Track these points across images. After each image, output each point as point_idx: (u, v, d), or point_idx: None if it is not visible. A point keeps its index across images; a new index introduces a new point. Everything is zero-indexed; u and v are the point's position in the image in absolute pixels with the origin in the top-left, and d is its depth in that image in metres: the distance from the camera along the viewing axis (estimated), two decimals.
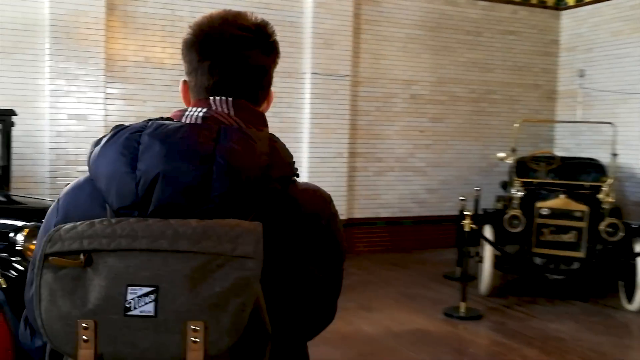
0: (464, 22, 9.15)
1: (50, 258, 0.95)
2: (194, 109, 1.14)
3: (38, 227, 3.97)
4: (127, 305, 0.90)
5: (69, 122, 6.85)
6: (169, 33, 7.23)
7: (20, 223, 4.06)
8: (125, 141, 1.03)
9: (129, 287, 0.91)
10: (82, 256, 0.94)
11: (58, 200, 1.16)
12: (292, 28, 7.90)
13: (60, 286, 0.94)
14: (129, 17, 7.17)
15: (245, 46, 1.16)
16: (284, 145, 1.10)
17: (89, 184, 1.09)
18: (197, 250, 0.93)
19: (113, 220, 0.97)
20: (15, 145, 6.45)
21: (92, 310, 0.91)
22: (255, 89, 1.20)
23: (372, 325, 5.49)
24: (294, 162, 1.11)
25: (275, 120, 7.27)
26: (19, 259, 3.83)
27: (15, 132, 6.11)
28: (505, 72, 9.54)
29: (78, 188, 1.13)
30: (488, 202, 7.79)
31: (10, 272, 3.68)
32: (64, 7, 6.71)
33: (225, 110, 1.13)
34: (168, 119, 1.11)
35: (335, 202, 1.19)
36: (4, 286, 3.50)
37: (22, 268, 3.77)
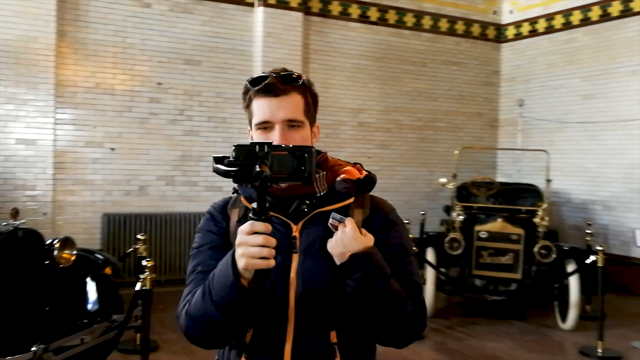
0: (409, 53, 9.51)
1: None
2: None
3: None
4: None
5: (17, 146, 6.84)
6: (120, 60, 7.29)
7: None
8: None
9: None
10: None
11: None
12: (243, 56, 8.05)
13: None
14: (80, 43, 7.23)
15: None
16: None
17: None
18: None
19: None
20: None
21: None
22: None
23: None
24: None
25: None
26: None
27: None
28: (449, 101, 9.92)
29: None
30: (434, 226, 8.08)
31: None
32: (13, 33, 6.75)
33: None
34: None
35: None
36: None
37: None
